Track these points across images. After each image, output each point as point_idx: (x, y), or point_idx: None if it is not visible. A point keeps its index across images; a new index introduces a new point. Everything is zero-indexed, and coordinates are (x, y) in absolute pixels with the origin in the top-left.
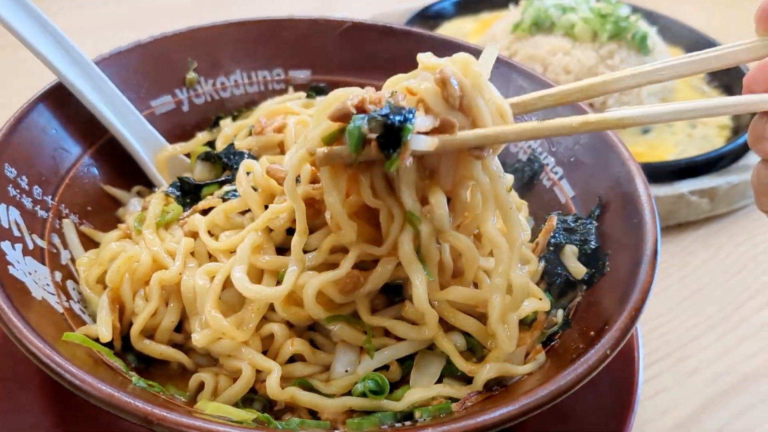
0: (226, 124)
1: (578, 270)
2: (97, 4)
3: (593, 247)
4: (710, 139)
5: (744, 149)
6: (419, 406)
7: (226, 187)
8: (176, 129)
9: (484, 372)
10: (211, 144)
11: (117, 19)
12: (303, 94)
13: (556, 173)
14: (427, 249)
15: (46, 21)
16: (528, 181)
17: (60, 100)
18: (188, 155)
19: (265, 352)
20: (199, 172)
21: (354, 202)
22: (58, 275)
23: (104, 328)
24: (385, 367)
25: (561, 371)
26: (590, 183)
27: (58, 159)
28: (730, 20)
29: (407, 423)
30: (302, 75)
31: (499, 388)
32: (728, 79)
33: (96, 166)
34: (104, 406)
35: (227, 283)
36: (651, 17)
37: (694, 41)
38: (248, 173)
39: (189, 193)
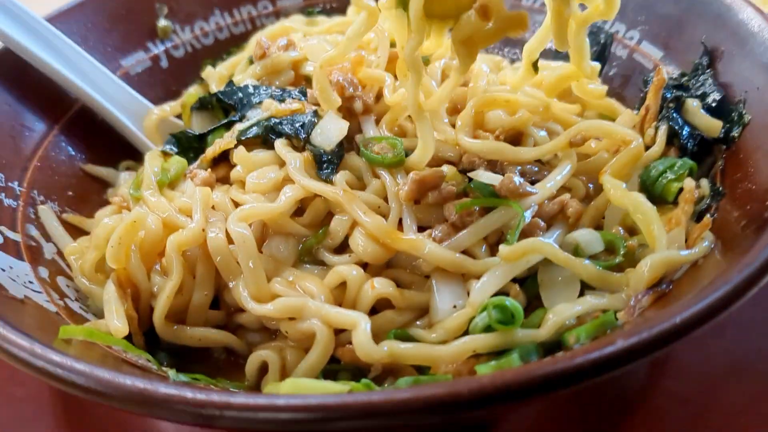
0: (209, 73)
1: (711, 125)
2: None
3: (717, 98)
4: None
5: None
6: (568, 329)
7: (239, 126)
8: (158, 90)
9: (645, 270)
10: None
11: None
12: (299, 16)
13: (631, 38)
14: None
15: None
16: (596, 59)
17: (8, 68)
18: (180, 117)
19: None
20: (197, 125)
21: None
22: (44, 272)
23: (117, 320)
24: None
25: (750, 240)
26: (682, 34)
27: (18, 138)
28: None
29: (559, 354)
30: (293, 2)
31: (667, 284)
32: None
33: (69, 143)
34: (137, 407)
35: (266, 233)
36: None
37: None
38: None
39: (190, 148)
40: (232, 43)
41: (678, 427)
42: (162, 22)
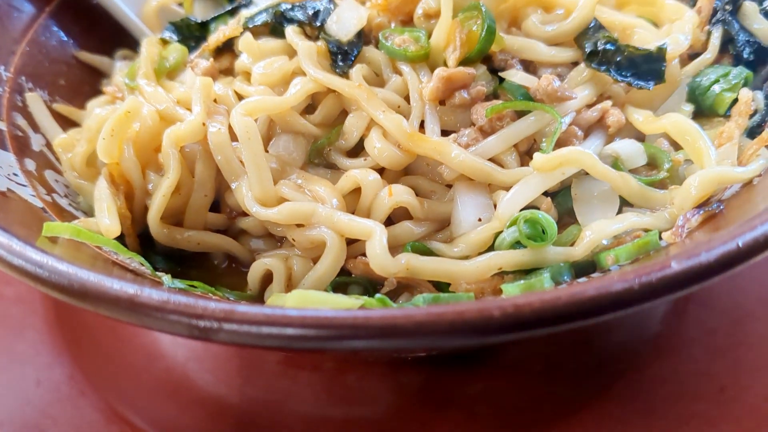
0: None
1: None
2: None
3: None
4: None
5: None
6: (604, 249)
7: (245, 12)
8: None
9: (693, 187)
10: None
11: None
12: None
13: None
14: None
15: None
16: None
17: None
18: (182, 5)
19: None
20: (199, 12)
21: None
22: (30, 164)
23: (107, 218)
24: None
25: None
26: None
27: (5, 19)
28: None
29: (594, 275)
30: None
31: (718, 204)
32: None
33: (61, 27)
34: (125, 314)
35: (272, 131)
36: None
37: None
38: None
39: (191, 37)
40: None
41: (704, 357)
42: None
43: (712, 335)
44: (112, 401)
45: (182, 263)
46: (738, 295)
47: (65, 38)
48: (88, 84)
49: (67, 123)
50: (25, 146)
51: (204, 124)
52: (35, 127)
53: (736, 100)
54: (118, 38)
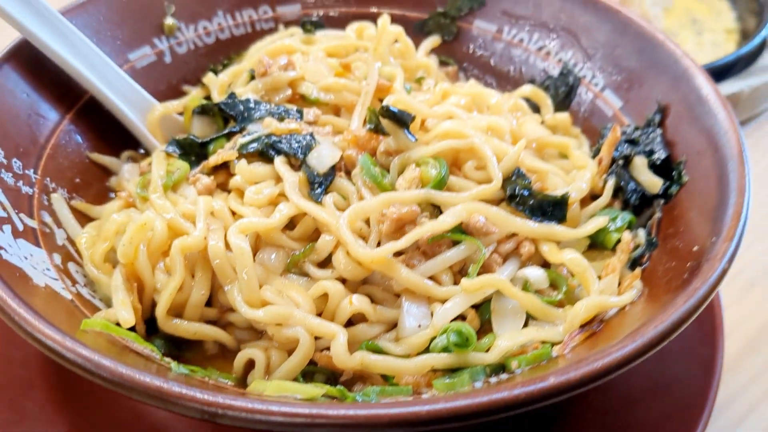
0: (211, 80)
1: (653, 183)
2: None
3: (662, 157)
4: (720, 44)
5: (759, 50)
6: (512, 355)
7: (240, 139)
8: (160, 84)
9: (580, 310)
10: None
11: None
12: (297, 29)
13: (596, 85)
14: None
15: None
16: (564, 98)
17: (27, 59)
18: (182, 114)
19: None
20: (197, 129)
21: None
22: (57, 258)
23: (124, 310)
24: (459, 318)
25: (670, 297)
26: (641, 89)
27: (34, 127)
28: None
29: (503, 376)
30: (291, 10)
31: (598, 324)
32: None
33: (78, 132)
34: (152, 400)
35: (259, 243)
36: None
37: None
38: None
39: (191, 153)
40: (233, 43)
41: None
42: (169, 20)
43: (607, 416)
44: None
45: (179, 347)
46: (628, 384)
47: (80, 141)
48: (97, 180)
49: (80, 215)
50: (52, 241)
51: (205, 238)
52: (58, 223)
53: (621, 239)
54: (123, 140)
